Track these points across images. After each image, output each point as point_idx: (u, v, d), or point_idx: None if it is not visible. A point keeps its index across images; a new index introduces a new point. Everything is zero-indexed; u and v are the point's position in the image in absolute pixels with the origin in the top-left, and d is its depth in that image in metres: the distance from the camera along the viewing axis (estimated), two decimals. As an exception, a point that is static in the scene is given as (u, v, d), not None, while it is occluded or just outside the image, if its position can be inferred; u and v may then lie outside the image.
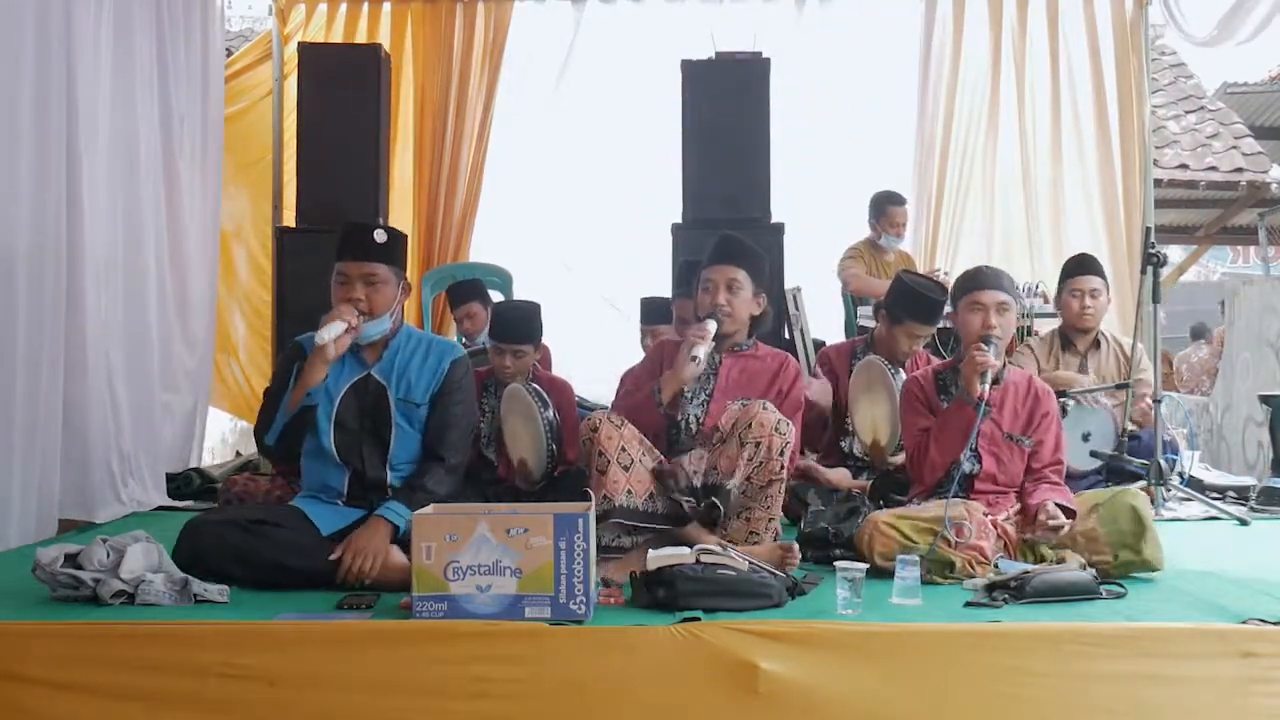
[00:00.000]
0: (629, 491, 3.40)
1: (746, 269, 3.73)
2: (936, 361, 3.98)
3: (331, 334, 3.23)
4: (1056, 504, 3.40)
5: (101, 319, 4.48)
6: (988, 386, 3.46)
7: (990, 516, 3.42)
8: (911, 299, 4.45)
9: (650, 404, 3.59)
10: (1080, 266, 5.06)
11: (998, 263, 6.71)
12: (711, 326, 3.60)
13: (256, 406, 6.53)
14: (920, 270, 6.32)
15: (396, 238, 3.41)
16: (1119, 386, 4.83)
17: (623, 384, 3.93)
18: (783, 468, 3.46)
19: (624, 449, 3.43)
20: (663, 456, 3.55)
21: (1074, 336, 5.01)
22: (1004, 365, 3.60)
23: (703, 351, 3.53)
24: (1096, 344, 5.02)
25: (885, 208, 6.16)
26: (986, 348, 3.50)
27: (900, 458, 4.16)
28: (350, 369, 3.41)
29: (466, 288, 5.79)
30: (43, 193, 4.03)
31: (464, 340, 5.68)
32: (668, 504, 3.48)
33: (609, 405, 3.89)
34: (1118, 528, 3.35)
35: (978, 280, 3.67)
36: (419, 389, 3.40)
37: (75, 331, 4.29)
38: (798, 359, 5.57)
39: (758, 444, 3.40)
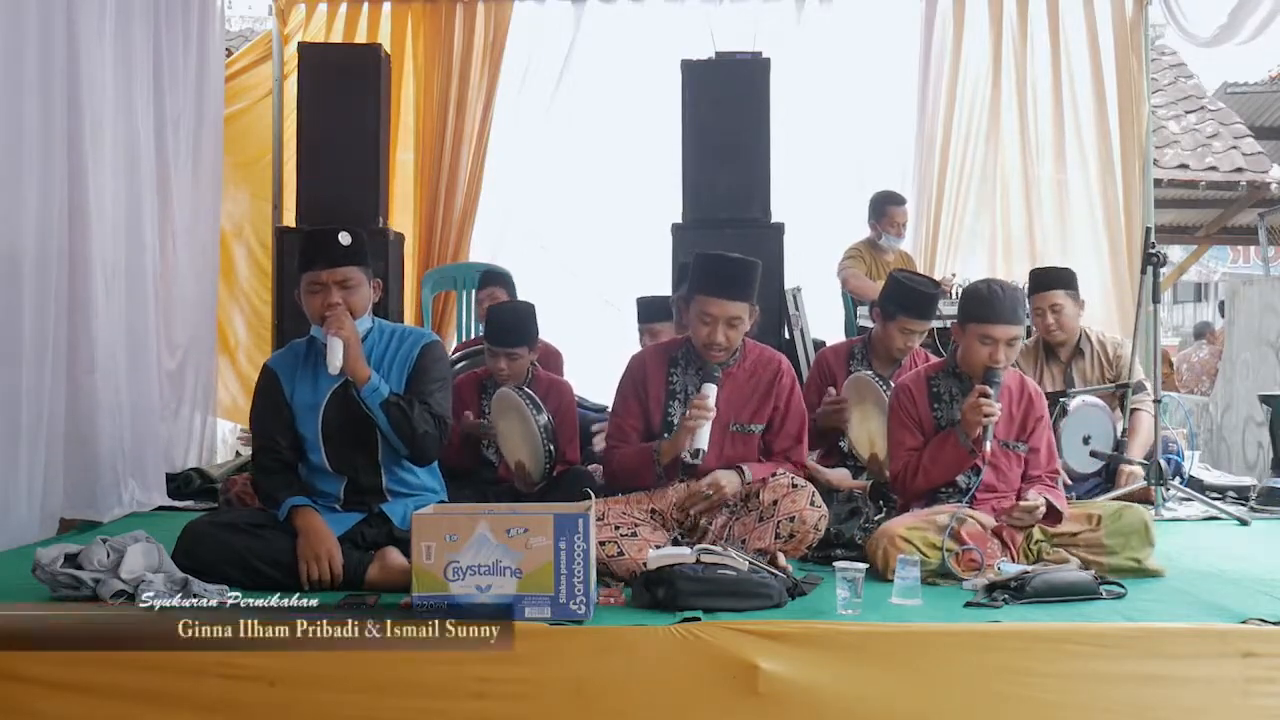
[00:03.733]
0: (655, 546, 3.33)
1: (749, 300, 3.53)
2: (925, 364, 3.84)
3: (339, 358, 3.20)
4: (1045, 498, 3.40)
5: (106, 320, 4.47)
6: (988, 445, 3.39)
7: (996, 525, 3.41)
8: (904, 294, 4.43)
9: (648, 463, 3.53)
10: (1036, 283, 4.91)
11: (998, 263, 6.78)
12: (711, 396, 3.43)
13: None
14: (926, 274, 6.33)
15: (361, 238, 3.37)
16: (1119, 387, 4.83)
17: (613, 413, 3.74)
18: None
19: (618, 528, 3.35)
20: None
21: (1054, 346, 4.96)
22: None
23: (704, 441, 3.40)
24: (1080, 350, 4.98)
25: (885, 208, 6.15)
26: (992, 393, 3.40)
27: None
28: (326, 378, 3.33)
29: (495, 275, 5.80)
30: (47, 195, 4.03)
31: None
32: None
33: (607, 411, 3.82)
34: (1127, 543, 3.35)
35: (993, 311, 3.46)
36: (392, 381, 3.35)
37: (79, 332, 4.28)
38: (797, 359, 5.59)
39: (792, 535, 3.40)
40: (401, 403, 3.28)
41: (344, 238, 3.30)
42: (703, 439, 3.40)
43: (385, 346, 3.41)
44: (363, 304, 3.34)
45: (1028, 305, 4.86)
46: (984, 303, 3.48)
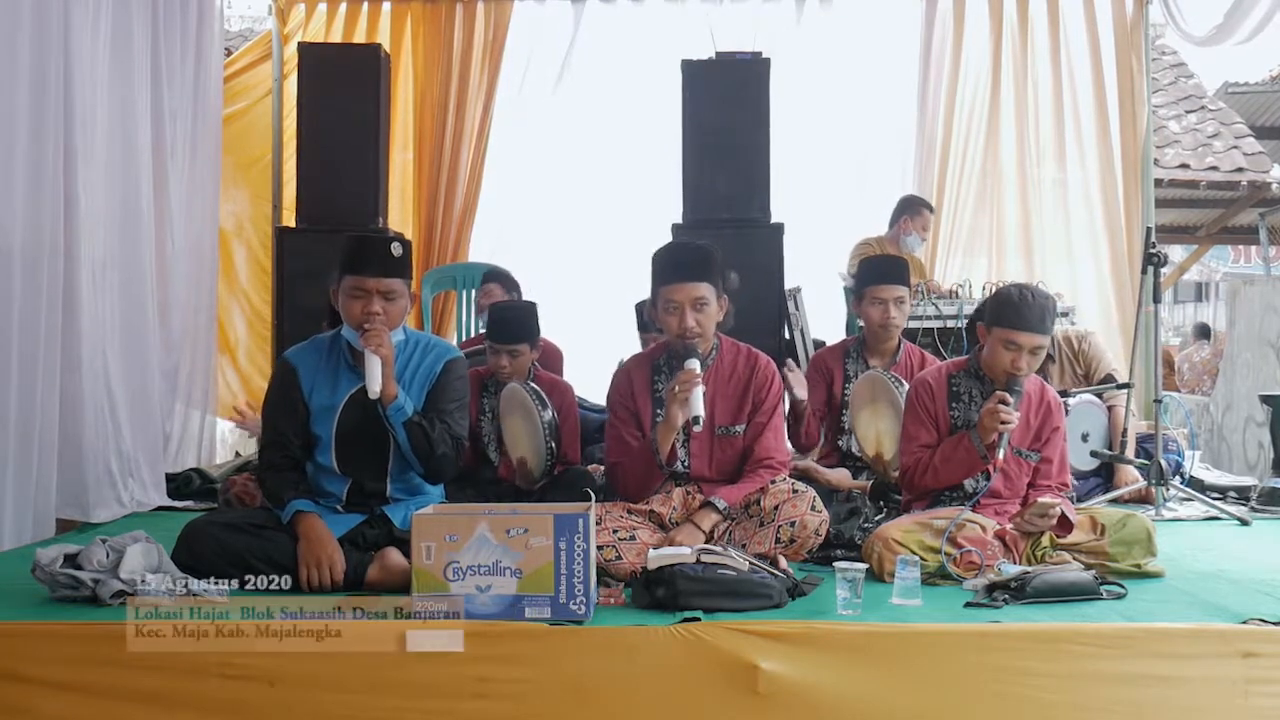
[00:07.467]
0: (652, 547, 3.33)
1: (709, 280, 3.49)
2: (949, 361, 3.79)
3: (379, 379, 3.20)
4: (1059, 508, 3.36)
5: (97, 318, 4.46)
6: (1002, 452, 3.37)
7: (999, 528, 3.40)
8: (874, 263, 4.57)
9: (649, 458, 3.50)
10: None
11: (996, 263, 6.77)
12: (695, 367, 3.40)
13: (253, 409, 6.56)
14: (932, 285, 6.32)
15: (408, 250, 3.38)
16: (1120, 387, 4.83)
17: (609, 429, 3.69)
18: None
19: (615, 531, 3.35)
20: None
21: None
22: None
23: (700, 408, 3.37)
24: (1050, 356, 4.93)
25: (920, 209, 6.13)
26: (1011, 401, 3.37)
27: None
28: (348, 381, 3.36)
29: (494, 272, 5.72)
30: (38, 190, 4.01)
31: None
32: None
33: (606, 416, 3.80)
34: (1129, 552, 3.34)
35: (1020, 318, 3.41)
36: (413, 393, 3.35)
37: (71, 330, 4.27)
38: (798, 359, 5.59)
39: (793, 540, 3.40)
40: (424, 423, 3.28)
41: (396, 249, 3.31)
42: (697, 406, 3.36)
43: (409, 357, 3.41)
44: (400, 316, 3.35)
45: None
46: (1013, 308, 3.44)
